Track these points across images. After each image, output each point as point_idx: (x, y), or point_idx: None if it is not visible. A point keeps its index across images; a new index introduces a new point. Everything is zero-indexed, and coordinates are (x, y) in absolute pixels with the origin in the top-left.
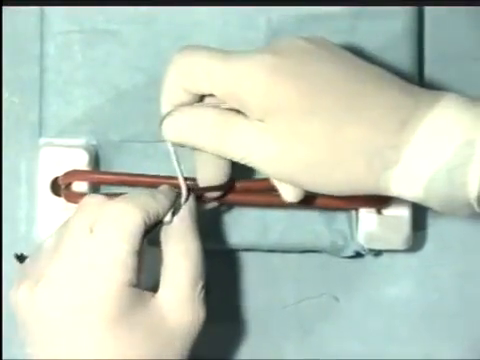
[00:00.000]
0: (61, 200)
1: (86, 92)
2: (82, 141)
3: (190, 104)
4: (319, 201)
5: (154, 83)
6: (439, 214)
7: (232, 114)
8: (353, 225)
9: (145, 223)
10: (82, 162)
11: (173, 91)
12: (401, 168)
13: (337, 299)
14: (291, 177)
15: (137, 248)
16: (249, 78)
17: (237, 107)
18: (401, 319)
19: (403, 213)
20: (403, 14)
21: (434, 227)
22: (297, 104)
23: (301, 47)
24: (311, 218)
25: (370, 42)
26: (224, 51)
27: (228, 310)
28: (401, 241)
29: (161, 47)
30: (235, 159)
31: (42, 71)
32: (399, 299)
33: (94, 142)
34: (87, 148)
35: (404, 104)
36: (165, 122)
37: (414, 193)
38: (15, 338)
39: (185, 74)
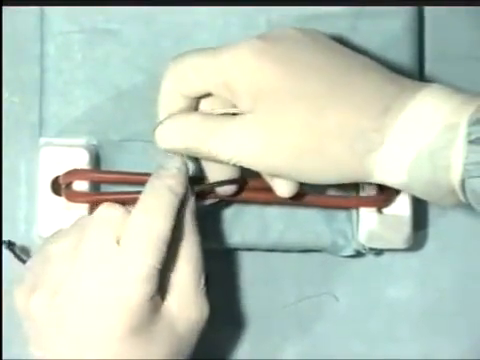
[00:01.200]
0: (62, 199)
1: (86, 92)
2: (82, 141)
3: (187, 110)
4: (320, 200)
5: (154, 83)
6: (440, 213)
7: (218, 118)
8: (354, 224)
9: (171, 230)
10: (82, 161)
11: (169, 98)
12: (384, 151)
13: (337, 299)
14: (279, 168)
15: (162, 261)
16: (236, 63)
17: (229, 98)
18: (401, 319)
19: (404, 212)
20: (403, 14)
21: (435, 226)
22: (281, 89)
23: (289, 35)
24: (311, 217)
25: (370, 42)
26: (216, 47)
27: (228, 310)
28: (402, 240)
29: (161, 47)
30: (225, 161)
31: (42, 71)
32: (399, 299)
33: (94, 142)
34: (87, 148)
35: (388, 90)
36: (156, 131)
37: (397, 178)
38: (15, 338)
39: (178, 78)
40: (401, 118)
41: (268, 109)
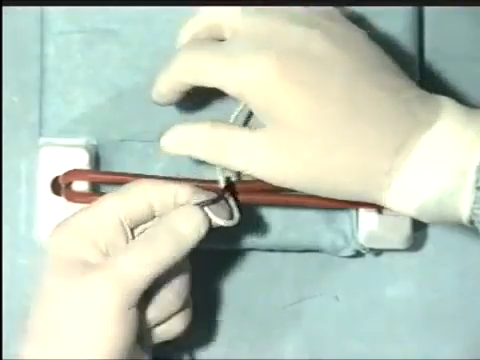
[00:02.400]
0: (61, 200)
1: (86, 92)
2: (82, 141)
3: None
4: (320, 201)
5: (154, 83)
6: None
7: (226, 128)
8: (353, 225)
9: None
10: (82, 162)
11: (174, 84)
12: (394, 192)
13: (337, 299)
14: (288, 185)
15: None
16: (254, 78)
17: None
18: (401, 319)
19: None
20: (403, 14)
21: (434, 227)
22: (297, 117)
23: (312, 54)
24: (311, 218)
25: None
26: (228, 45)
27: (228, 310)
28: (401, 241)
29: (161, 47)
30: (237, 170)
31: (42, 71)
32: (399, 299)
33: (94, 142)
34: (87, 148)
35: (401, 127)
36: (162, 141)
37: (406, 212)
38: (15, 338)
39: (186, 70)
40: (410, 161)
41: (281, 133)
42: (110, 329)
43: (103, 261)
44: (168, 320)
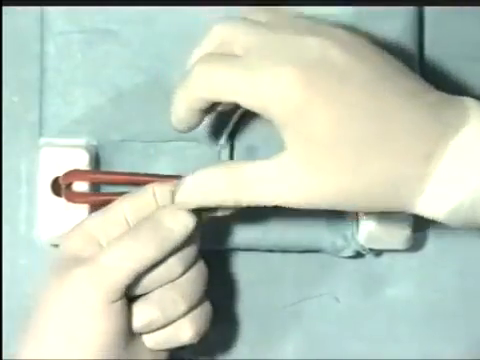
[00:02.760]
0: (62, 200)
1: (86, 92)
2: (82, 141)
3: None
4: None
5: (154, 83)
6: None
7: (247, 167)
8: (353, 225)
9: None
10: (82, 162)
11: (192, 102)
12: (426, 197)
13: (337, 299)
14: (321, 205)
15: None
16: (278, 93)
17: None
18: (401, 319)
19: (403, 213)
20: (403, 14)
21: (434, 227)
22: (326, 131)
23: (333, 64)
24: (311, 218)
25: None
26: (242, 59)
27: (228, 310)
28: (401, 241)
29: (161, 47)
30: (265, 204)
31: (42, 71)
32: (399, 299)
33: (94, 142)
34: (87, 148)
35: (430, 132)
36: (177, 194)
37: (437, 216)
38: (15, 338)
39: (204, 86)
40: (442, 166)
41: (310, 150)
42: (95, 324)
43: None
44: (175, 323)
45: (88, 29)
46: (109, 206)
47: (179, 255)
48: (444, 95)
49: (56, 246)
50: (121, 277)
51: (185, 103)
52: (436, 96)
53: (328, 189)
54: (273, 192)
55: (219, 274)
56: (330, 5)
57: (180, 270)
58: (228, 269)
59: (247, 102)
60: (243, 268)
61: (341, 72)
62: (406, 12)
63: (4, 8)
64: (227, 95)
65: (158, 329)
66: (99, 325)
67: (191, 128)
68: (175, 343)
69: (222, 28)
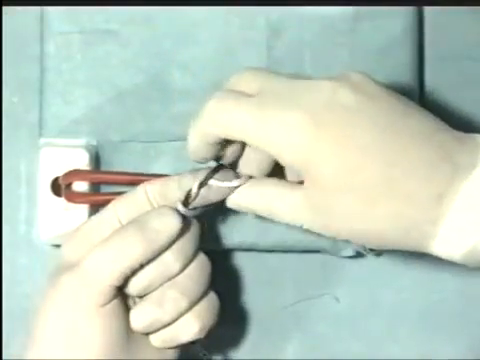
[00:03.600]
0: (62, 200)
1: (86, 92)
2: (82, 141)
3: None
4: None
5: (154, 83)
6: None
7: (265, 183)
8: None
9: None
10: (82, 162)
11: (203, 137)
12: (440, 240)
13: (337, 299)
14: (340, 238)
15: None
16: (286, 138)
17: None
18: (401, 319)
19: None
20: (403, 14)
21: None
22: (334, 176)
23: (342, 105)
24: None
25: (370, 42)
26: (253, 98)
27: (228, 310)
28: None
29: (161, 47)
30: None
31: (42, 71)
32: (399, 299)
33: (94, 142)
34: (87, 148)
35: (441, 173)
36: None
37: (452, 258)
38: (15, 338)
39: (215, 122)
40: (454, 208)
41: (319, 193)
42: (89, 327)
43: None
44: (179, 320)
45: (88, 29)
46: (104, 210)
47: (176, 252)
48: (455, 133)
49: (56, 246)
50: (107, 280)
51: (198, 137)
52: (447, 134)
53: (339, 231)
54: (289, 218)
55: (219, 274)
56: (330, 5)
57: (178, 267)
58: (228, 269)
59: (255, 143)
60: (243, 268)
61: (350, 114)
62: (406, 12)
63: (4, 8)
64: (236, 133)
65: (162, 328)
66: (93, 328)
67: (207, 160)
68: (182, 340)
69: (236, 76)
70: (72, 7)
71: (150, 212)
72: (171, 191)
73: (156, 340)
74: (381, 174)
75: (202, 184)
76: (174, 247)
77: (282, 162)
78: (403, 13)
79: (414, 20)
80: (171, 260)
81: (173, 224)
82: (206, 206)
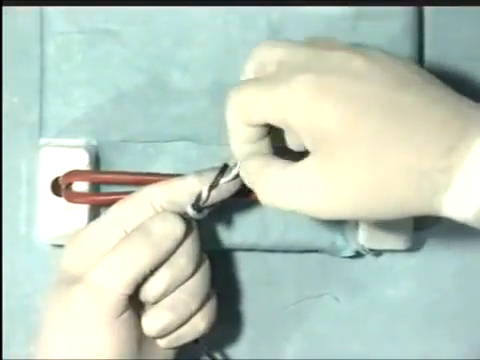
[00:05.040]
0: (62, 200)
1: (86, 92)
2: (82, 141)
3: (260, 138)
4: None
5: (154, 83)
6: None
7: (275, 166)
8: (353, 225)
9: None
10: (82, 162)
11: (236, 129)
12: (453, 192)
13: (337, 299)
14: (342, 213)
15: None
16: (292, 102)
17: (292, 134)
18: (401, 319)
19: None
20: (403, 14)
21: (434, 227)
22: (340, 132)
23: (352, 71)
24: (311, 218)
25: (370, 42)
26: (271, 76)
27: (228, 310)
28: (401, 241)
29: (161, 47)
30: (285, 210)
31: (42, 71)
32: (399, 299)
33: (94, 142)
34: (87, 148)
35: (452, 128)
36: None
37: (464, 215)
38: (15, 338)
39: (238, 111)
40: (468, 159)
41: (327, 153)
42: (101, 341)
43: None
44: (188, 321)
45: (88, 29)
46: (104, 216)
47: (186, 256)
48: (469, 101)
49: (56, 246)
50: (119, 290)
51: (231, 126)
52: (461, 99)
53: (346, 191)
54: (294, 199)
55: (219, 274)
56: (330, 5)
57: (190, 270)
58: (228, 269)
59: (270, 118)
60: (243, 268)
61: (360, 78)
62: (406, 12)
63: (4, 8)
64: (253, 114)
65: (173, 331)
66: (107, 340)
67: (260, 139)
68: (188, 339)
69: (256, 52)
70: (72, 7)
71: (153, 218)
72: (178, 195)
73: (163, 341)
74: (388, 125)
75: (213, 186)
76: (184, 250)
77: (294, 130)
78: (403, 13)
79: (414, 20)
80: (184, 263)
81: (178, 228)
82: (213, 206)
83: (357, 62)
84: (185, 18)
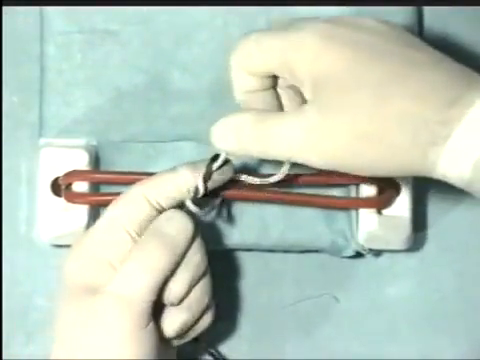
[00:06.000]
0: (61, 200)
1: (86, 92)
2: (82, 141)
3: (263, 89)
4: (320, 200)
5: (154, 83)
6: (440, 214)
7: (274, 115)
8: (353, 225)
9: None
10: (82, 162)
11: (239, 78)
12: (450, 146)
13: (337, 299)
14: (337, 158)
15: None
16: (299, 46)
17: (291, 81)
18: (401, 319)
19: (403, 213)
20: (403, 14)
21: (434, 227)
22: (344, 76)
23: (358, 21)
24: (311, 218)
25: None
26: (288, 27)
27: (228, 310)
28: (401, 241)
29: (161, 47)
30: (280, 157)
31: (42, 71)
32: (399, 299)
33: (94, 142)
34: (87, 148)
35: (455, 83)
36: (212, 130)
37: (460, 174)
38: (15, 338)
39: (243, 56)
40: (470, 113)
41: (329, 95)
42: (128, 352)
43: (108, 283)
44: (199, 319)
45: (88, 29)
46: (102, 220)
47: (199, 252)
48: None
49: (56, 246)
50: (145, 298)
51: (234, 77)
52: (465, 67)
53: (343, 135)
54: (291, 143)
55: (219, 274)
56: (330, 5)
57: (204, 266)
58: (228, 269)
59: (275, 63)
60: (243, 268)
61: (369, 32)
62: (406, 12)
63: (4, 8)
64: (260, 62)
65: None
66: (134, 352)
67: (254, 95)
68: (194, 335)
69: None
70: (72, 7)
71: (162, 219)
72: (174, 191)
73: (176, 340)
74: (393, 73)
75: (206, 176)
76: (196, 248)
77: (292, 73)
78: (403, 13)
79: (414, 20)
80: (198, 261)
81: (189, 226)
82: (214, 207)
83: (368, 21)
84: (185, 18)
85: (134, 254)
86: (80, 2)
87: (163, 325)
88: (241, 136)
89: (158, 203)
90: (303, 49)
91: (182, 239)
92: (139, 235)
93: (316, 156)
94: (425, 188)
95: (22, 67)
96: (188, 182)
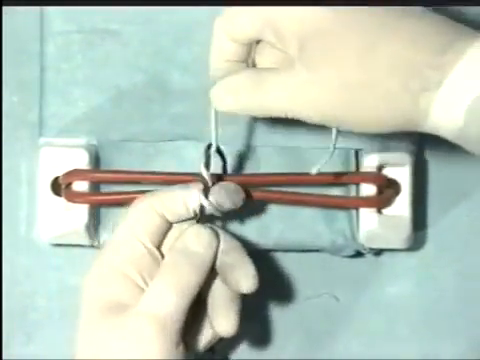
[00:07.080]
0: (62, 200)
1: (86, 92)
2: (82, 141)
3: (242, 59)
4: (320, 200)
5: (154, 83)
6: (440, 214)
7: (269, 71)
8: (353, 224)
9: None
10: (82, 162)
11: (220, 44)
12: (442, 92)
13: (337, 299)
14: (330, 110)
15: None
16: (285, 5)
17: (275, 43)
18: (401, 319)
19: (403, 213)
20: None
21: (434, 227)
22: (331, 28)
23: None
24: (311, 217)
25: None
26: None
27: None
28: (401, 241)
29: (161, 47)
30: (277, 113)
31: (42, 71)
32: (399, 299)
33: (94, 142)
34: (87, 148)
35: (445, 30)
36: (211, 92)
37: (453, 119)
38: (15, 338)
39: (228, 20)
40: (463, 60)
41: (317, 49)
42: None
43: (137, 301)
44: None
45: (88, 29)
46: (117, 235)
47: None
48: None
49: (56, 246)
50: (178, 318)
51: (216, 44)
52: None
53: (333, 86)
54: (284, 97)
55: None
56: (330, 5)
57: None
58: None
59: (260, 26)
60: None
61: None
62: None
63: (4, 8)
64: (245, 27)
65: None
66: None
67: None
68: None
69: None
70: (72, 7)
71: (186, 236)
72: (176, 204)
73: None
74: (380, 22)
75: (206, 165)
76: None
77: (278, 33)
78: None
79: None
80: None
81: (213, 240)
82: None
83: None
84: (185, 17)
85: (164, 272)
86: (80, 2)
87: (191, 341)
88: (240, 96)
89: (171, 215)
90: (290, 9)
91: (209, 254)
92: (156, 247)
93: (311, 110)
94: (425, 188)
95: (22, 67)
96: (193, 200)
